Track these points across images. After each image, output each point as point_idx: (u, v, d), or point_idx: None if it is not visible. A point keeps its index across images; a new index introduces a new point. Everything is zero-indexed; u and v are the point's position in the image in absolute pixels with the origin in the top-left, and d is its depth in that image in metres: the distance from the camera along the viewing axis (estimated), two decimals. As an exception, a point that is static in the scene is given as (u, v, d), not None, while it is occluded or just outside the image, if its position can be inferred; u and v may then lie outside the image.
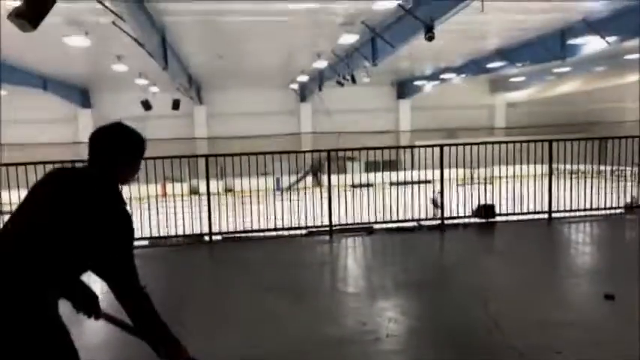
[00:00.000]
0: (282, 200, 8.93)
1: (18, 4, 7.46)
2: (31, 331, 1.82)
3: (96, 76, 22.95)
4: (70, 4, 10.14)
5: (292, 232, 8.15)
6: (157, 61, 14.23)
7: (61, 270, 1.95)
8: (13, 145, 23.59)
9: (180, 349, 2.14)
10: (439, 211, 8.48)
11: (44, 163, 7.25)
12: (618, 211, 8.50)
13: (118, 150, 2.17)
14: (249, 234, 8.03)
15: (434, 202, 9.73)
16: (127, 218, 2.07)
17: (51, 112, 25.76)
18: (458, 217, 8.40)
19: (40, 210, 1.99)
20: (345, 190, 9.10)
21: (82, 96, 26.74)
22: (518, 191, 8.50)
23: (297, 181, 19.54)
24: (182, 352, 2.15)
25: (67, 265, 1.97)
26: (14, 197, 8.08)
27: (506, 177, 9.17)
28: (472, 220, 8.26)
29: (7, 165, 7.40)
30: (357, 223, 8.17)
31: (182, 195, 11.78)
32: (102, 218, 1.99)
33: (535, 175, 8.71)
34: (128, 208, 2.12)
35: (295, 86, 27.09)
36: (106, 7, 10.26)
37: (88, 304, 2.32)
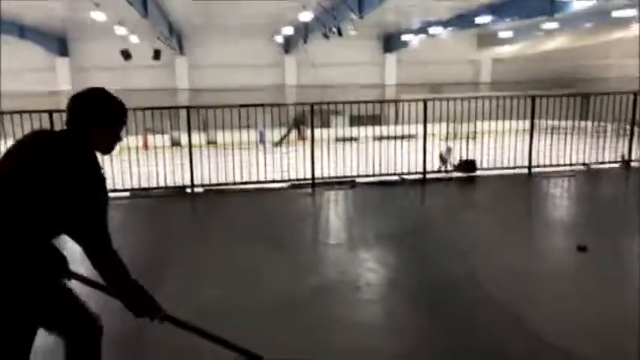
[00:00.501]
0: (264, 153, 8.89)
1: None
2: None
3: (74, 24, 22.20)
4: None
5: (275, 184, 8.16)
6: (135, 8, 13.77)
7: (33, 232, 1.97)
8: (-11, 95, 22.93)
9: (155, 307, 2.17)
10: (447, 166, 8.57)
11: (21, 112, 7.09)
12: (596, 166, 8.62)
13: (96, 115, 2.14)
14: (231, 186, 8.02)
15: (441, 157, 9.83)
16: (102, 183, 2.07)
17: (28, 61, 24.97)
18: (440, 172, 8.48)
19: (12, 172, 2.00)
20: (329, 144, 9.08)
21: (60, 45, 25.89)
22: (500, 146, 8.58)
23: (286, 135, 19.43)
24: (157, 310, 2.18)
25: (39, 228, 1.98)
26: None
27: (489, 132, 9.21)
28: (454, 174, 8.34)
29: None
30: (340, 177, 8.20)
31: (163, 147, 11.64)
32: (76, 182, 1.99)
33: (517, 131, 8.77)
34: (104, 171, 2.11)
35: (280, 38, 26.51)
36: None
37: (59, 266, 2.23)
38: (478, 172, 8.29)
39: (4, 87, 23.81)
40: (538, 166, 8.43)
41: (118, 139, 2.23)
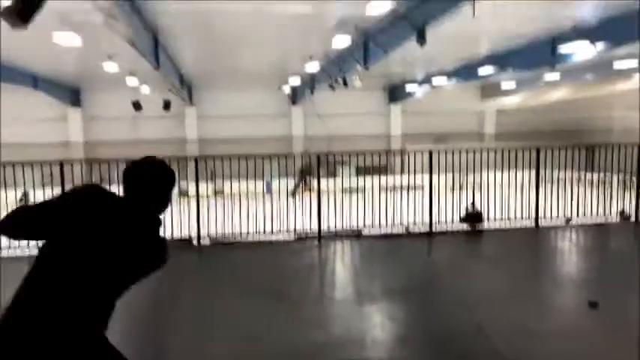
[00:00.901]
0: (271, 204, 8.92)
1: (9, 1, 7.42)
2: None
3: (87, 75, 22.78)
4: (62, 2, 10.08)
5: (281, 236, 8.14)
6: (148, 61, 14.17)
7: (111, 296, 2.15)
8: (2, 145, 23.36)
9: None
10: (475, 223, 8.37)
11: (32, 163, 7.21)
12: (604, 219, 8.57)
13: (159, 187, 2.27)
14: (238, 238, 8.01)
15: (468, 214, 9.58)
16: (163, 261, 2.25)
17: (41, 111, 25.56)
18: (447, 224, 8.43)
19: (98, 246, 2.09)
20: (335, 195, 9.10)
21: (73, 95, 26.52)
22: (506, 198, 8.57)
23: (299, 185, 19.48)
24: None
25: (115, 291, 2.15)
26: (5, 198, 8.04)
27: (495, 183, 9.22)
28: (460, 226, 8.30)
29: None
30: (346, 229, 8.18)
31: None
32: (152, 260, 2.22)
33: (523, 182, 8.77)
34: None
35: (287, 89, 27.07)
36: (99, 6, 10.22)
37: None
38: (485, 225, 8.24)
39: (17, 137, 24.36)
40: (545, 218, 8.38)
41: (170, 202, 2.35)
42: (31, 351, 1.94)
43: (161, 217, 2.34)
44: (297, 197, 10.22)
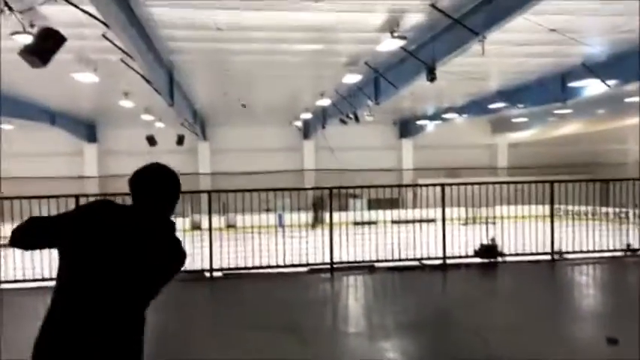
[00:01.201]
0: (283, 237, 8.91)
1: (29, 40, 7.70)
2: None
3: (103, 111, 23.29)
4: (80, 41, 10.41)
5: (294, 269, 8.10)
6: (163, 97, 14.47)
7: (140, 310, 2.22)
8: (20, 179, 23.75)
9: None
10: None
11: (48, 197, 7.32)
12: (621, 253, 8.43)
13: (169, 193, 2.31)
14: (251, 270, 7.98)
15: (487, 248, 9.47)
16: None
17: (58, 146, 26.04)
18: (460, 257, 8.34)
19: (117, 257, 2.12)
20: (347, 228, 9.07)
21: (89, 130, 27.07)
22: (521, 231, 8.48)
23: (316, 216, 19.45)
24: None
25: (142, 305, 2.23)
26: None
27: (509, 217, 9.16)
28: (474, 260, 8.20)
29: (11, 198, 7.44)
30: (359, 262, 8.13)
31: (184, 230, 11.72)
32: (173, 262, 2.27)
33: (537, 216, 8.71)
34: None
35: (299, 123, 27.39)
36: (116, 45, 10.54)
37: None
38: (500, 258, 8.14)
39: (33, 171, 24.78)
40: (561, 253, 8.27)
41: (176, 203, 2.38)
42: None
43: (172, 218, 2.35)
44: (317, 228, 10.21)
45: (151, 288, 2.21)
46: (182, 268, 2.32)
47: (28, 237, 2.18)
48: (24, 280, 7.21)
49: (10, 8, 7.53)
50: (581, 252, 8.32)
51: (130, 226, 2.17)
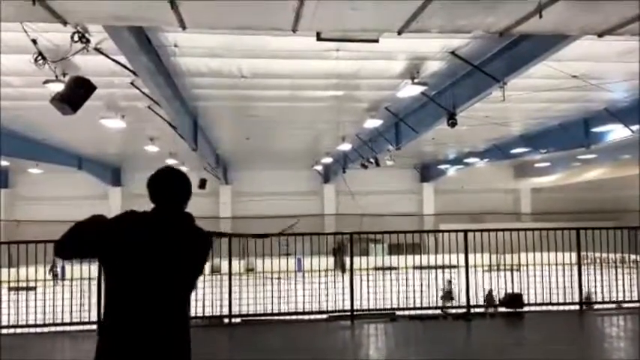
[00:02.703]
0: (303, 282, 8.81)
1: (61, 88, 8.00)
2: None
3: (128, 156, 23.83)
4: (109, 89, 10.79)
5: (313, 316, 7.96)
6: (187, 142, 14.78)
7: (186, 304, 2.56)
8: (44, 222, 24.17)
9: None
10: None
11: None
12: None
13: (184, 191, 2.61)
14: (269, 317, 7.86)
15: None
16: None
17: (83, 190, 26.58)
18: (484, 306, 8.11)
19: (162, 260, 2.40)
20: (368, 273, 8.93)
21: (114, 174, 27.65)
22: (547, 280, 8.23)
23: (341, 259, 19.19)
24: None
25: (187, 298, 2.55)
26: (44, 273, 8.22)
27: (534, 264, 8.91)
28: (499, 309, 7.96)
29: (36, 242, 7.54)
30: (380, 309, 7.95)
31: (204, 275, 11.69)
32: (203, 248, 2.64)
33: (564, 264, 8.46)
34: None
35: (319, 167, 27.56)
36: (144, 93, 10.88)
37: None
38: (525, 308, 7.88)
39: (59, 215, 25.19)
40: (590, 302, 7.98)
41: (189, 199, 2.66)
42: None
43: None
44: (338, 271, 10.04)
45: (191, 274, 2.52)
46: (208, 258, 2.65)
47: (67, 251, 2.51)
48: (44, 325, 7.21)
49: (44, 58, 7.87)
50: (611, 302, 8.02)
51: (159, 226, 2.45)
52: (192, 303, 7.94)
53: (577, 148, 16.82)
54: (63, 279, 8.42)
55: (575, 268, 8.13)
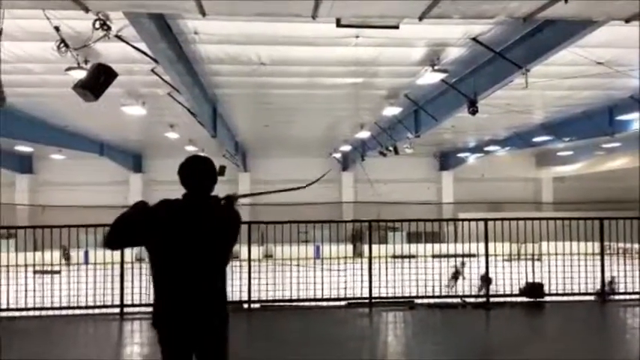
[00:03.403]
0: (322, 270, 8.85)
1: (83, 75, 8.09)
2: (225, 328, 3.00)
3: (149, 142, 24.08)
4: (130, 76, 10.87)
5: (331, 302, 7.99)
6: (207, 129, 14.87)
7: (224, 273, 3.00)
8: (67, 207, 24.66)
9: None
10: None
11: (95, 226, 7.54)
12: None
13: (211, 175, 3.01)
14: (288, 303, 7.92)
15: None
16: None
17: (105, 176, 26.98)
18: (504, 295, 8.04)
19: (200, 235, 2.84)
20: (387, 261, 8.91)
21: (135, 161, 27.99)
22: (568, 270, 8.13)
23: (354, 250, 19.30)
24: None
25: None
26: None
27: (555, 254, 8.80)
28: (519, 299, 7.89)
29: (60, 227, 7.69)
30: (398, 297, 7.95)
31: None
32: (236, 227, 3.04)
33: (586, 254, 8.33)
34: None
35: (338, 155, 27.51)
36: (164, 80, 10.94)
37: None
38: (546, 298, 7.80)
39: (81, 200, 25.69)
40: (612, 293, 7.87)
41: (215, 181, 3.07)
42: (198, 324, 2.83)
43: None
44: (357, 258, 10.06)
45: (222, 246, 2.93)
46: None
47: (116, 244, 3.04)
48: (69, 307, 7.37)
49: (67, 45, 7.95)
50: (634, 293, 7.89)
51: (190, 209, 2.86)
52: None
53: (601, 136, 16.49)
54: (87, 263, 8.59)
55: (598, 258, 8.01)
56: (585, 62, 10.17)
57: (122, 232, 2.86)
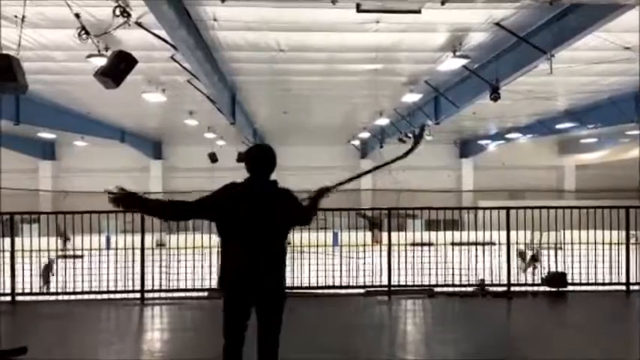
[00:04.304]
0: (340, 257, 8.83)
1: (103, 62, 8.13)
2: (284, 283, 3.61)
3: (168, 129, 24.26)
4: (150, 63, 10.91)
5: (350, 290, 7.97)
6: (225, 116, 14.90)
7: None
8: (88, 193, 24.99)
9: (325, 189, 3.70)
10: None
11: (115, 212, 7.61)
12: None
13: (272, 162, 3.56)
14: (306, 290, 7.92)
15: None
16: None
17: (125, 162, 27.29)
18: (526, 285, 7.93)
19: (265, 211, 3.39)
20: (406, 249, 8.82)
21: (155, 148, 28.24)
22: (592, 259, 7.98)
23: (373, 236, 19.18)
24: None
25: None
26: (90, 243, 8.53)
27: (579, 243, 8.64)
28: (541, 288, 7.77)
29: (81, 213, 7.79)
30: (417, 285, 7.90)
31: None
32: (293, 200, 3.58)
33: (611, 243, 8.17)
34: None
35: (356, 142, 27.38)
36: (183, 67, 10.96)
37: None
38: (569, 287, 7.67)
39: (103, 186, 26.02)
40: (637, 283, 7.71)
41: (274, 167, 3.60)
42: (260, 283, 3.40)
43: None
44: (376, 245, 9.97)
45: (284, 221, 3.49)
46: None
47: (176, 217, 3.58)
48: (90, 292, 7.49)
49: (87, 32, 7.99)
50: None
51: (259, 187, 3.44)
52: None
53: (626, 123, 16.10)
54: (108, 248, 8.70)
55: (623, 247, 7.84)
56: (612, 47, 9.90)
57: (200, 211, 3.46)
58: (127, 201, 3.40)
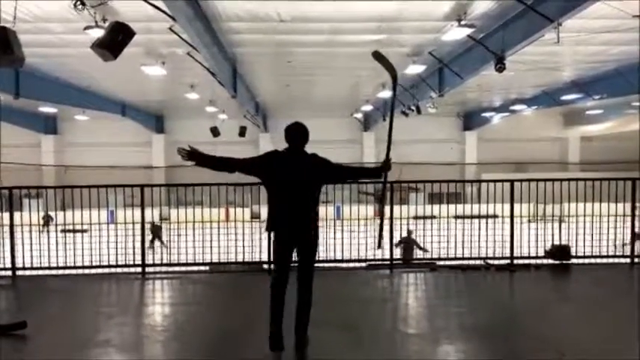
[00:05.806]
0: (342, 231, 8.79)
1: (101, 34, 7.97)
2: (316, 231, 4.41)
3: (170, 103, 24.09)
4: (148, 35, 10.71)
5: (352, 264, 7.96)
6: (227, 89, 14.72)
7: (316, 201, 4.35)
8: (90, 167, 25.01)
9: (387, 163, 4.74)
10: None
11: (116, 186, 7.57)
12: None
13: (306, 136, 4.36)
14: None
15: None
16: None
17: (127, 137, 27.21)
18: (529, 257, 7.89)
19: (302, 173, 4.22)
20: (408, 223, 8.81)
21: (157, 122, 28.10)
22: (597, 232, 7.91)
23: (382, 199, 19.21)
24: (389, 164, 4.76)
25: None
26: (93, 217, 8.51)
27: (584, 215, 8.56)
28: (544, 261, 7.74)
29: (81, 187, 7.74)
30: (419, 259, 7.88)
31: (243, 221, 11.88)
32: (325, 162, 4.34)
33: (616, 215, 8.09)
34: None
35: (359, 115, 27.16)
36: (183, 39, 10.75)
37: None
38: (572, 260, 7.63)
39: (106, 160, 26.02)
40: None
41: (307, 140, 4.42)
42: (299, 227, 4.24)
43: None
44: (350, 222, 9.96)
45: (317, 181, 4.28)
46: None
47: (232, 169, 4.23)
48: (91, 267, 7.49)
49: (83, 3, 7.81)
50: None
51: (296, 155, 4.26)
52: (232, 250, 8.10)
53: (633, 94, 15.86)
54: (112, 223, 8.67)
55: (629, 220, 7.77)
56: (620, 15, 9.64)
57: (245, 168, 4.22)
58: (196, 156, 4.07)
